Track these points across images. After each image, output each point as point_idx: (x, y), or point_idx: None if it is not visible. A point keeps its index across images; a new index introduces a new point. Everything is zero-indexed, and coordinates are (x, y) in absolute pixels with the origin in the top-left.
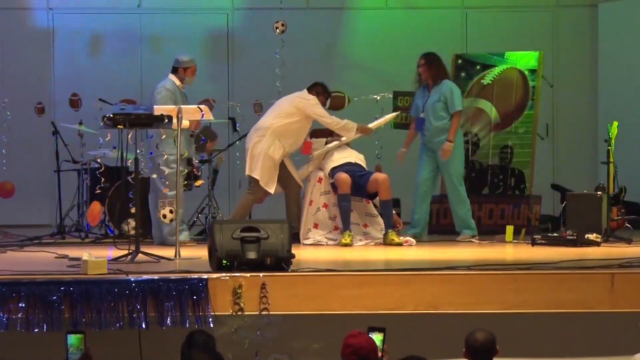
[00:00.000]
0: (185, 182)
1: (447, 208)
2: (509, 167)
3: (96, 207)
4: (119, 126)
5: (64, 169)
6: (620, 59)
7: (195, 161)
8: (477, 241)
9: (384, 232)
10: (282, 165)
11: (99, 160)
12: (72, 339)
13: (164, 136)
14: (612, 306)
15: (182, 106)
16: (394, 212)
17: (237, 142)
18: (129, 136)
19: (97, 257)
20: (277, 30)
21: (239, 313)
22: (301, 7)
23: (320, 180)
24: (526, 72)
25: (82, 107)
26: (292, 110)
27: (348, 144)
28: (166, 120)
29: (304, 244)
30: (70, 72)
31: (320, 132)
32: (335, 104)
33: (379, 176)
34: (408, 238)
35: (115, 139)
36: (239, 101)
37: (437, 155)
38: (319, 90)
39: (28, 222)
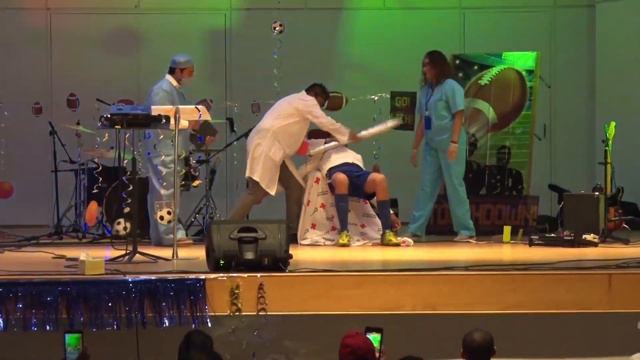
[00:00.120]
0: (183, 183)
1: (445, 208)
2: (507, 168)
3: (93, 207)
4: (116, 126)
5: (61, 169)
6: (618, 59)
7: (193, 161)
8: (474, 241)
9: (381, 232)
10: (283, 165)
11: (96, 160)
12: (70, 338)
13: (162, 136)
14: (609, 307)
15: (179, 106)
16: (391, 212)
17: (235, 143)
18: (126, 136)
19: (94, 258)
20: (275, 31)
21: (237, 313)
22: (299, 8)
23: (317, 180)
24: (524, 73)
25: (80, 107)
26: (291, 111)
27: (346, 145)
28: (164, 121)
29: (301, 245)
30: (68, 72)
31: (318, 132)
32: (332, 104)
33: (377, 176)
34: (405, 238)
35: (112, 139)
36: (236, 101)
37: (439, 154)
38: (317, 91)
39: (26, 222)
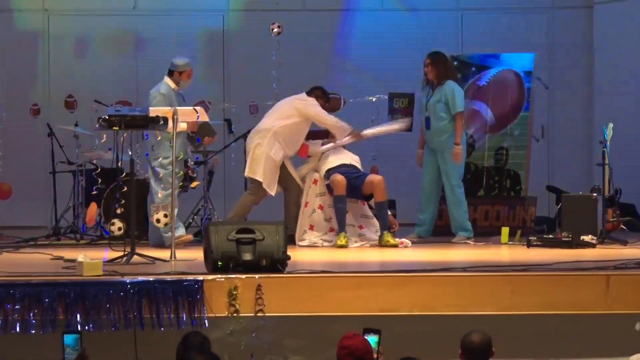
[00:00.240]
0: (181, 184)
1: (442, 209)
2: (505, 169)
3: (94, 208)
4: (114, 128)
5: (59, 170)
6: (616, 60)
7: (191, 163)
8: (472, 243)
9: (379, 233)
10: (283, 166)
11: (94, 161)
12: (69, 339)
13: (159, 138)
14: (607, 308)
15: (177, 108)
16: (389, 213)
17: (233, 144)
18: (124, 137)
19: (92, 259)
20: (273, 32)
21: (235, 315)
22: (297, 9)
23: (315, 181)
24: (521, 74)
25: (78, 109)
26: (291, 112)
27: (344, 146)
28: (161, 122)
29: (299, 246)
30: (66, 73)
31: (316, 134)
32: (331, 105)
33: (375, 178)
34: (403, 240)
35: (110, 141)
36: (234, 103)
37: (438, 155)
38: (318, 93)
39: (24, 224)
